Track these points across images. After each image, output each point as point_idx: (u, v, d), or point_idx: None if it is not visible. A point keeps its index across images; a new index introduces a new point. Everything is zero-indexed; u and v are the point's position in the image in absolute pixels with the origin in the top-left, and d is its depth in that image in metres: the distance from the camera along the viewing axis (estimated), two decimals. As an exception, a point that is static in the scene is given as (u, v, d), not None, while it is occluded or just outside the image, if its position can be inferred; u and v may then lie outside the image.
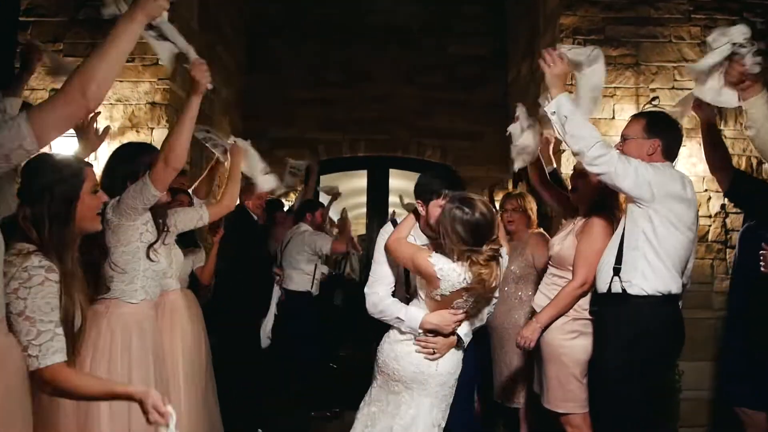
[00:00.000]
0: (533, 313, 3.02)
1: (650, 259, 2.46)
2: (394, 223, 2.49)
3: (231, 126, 6.52)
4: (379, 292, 2.41)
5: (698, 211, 2.68)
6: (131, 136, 4.15)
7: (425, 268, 2.22)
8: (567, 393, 2.81)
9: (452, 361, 2.37)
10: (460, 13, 6.99)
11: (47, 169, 1.68)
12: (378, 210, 7.39)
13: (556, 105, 2.43)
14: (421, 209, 2.39)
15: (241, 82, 6.82)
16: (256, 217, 4.46)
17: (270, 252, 5.07)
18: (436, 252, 2.27)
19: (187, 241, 3.52)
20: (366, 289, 2.45)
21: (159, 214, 2.39)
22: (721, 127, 4.22)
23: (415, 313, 2.31)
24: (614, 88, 4.27)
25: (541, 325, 2.80)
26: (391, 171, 7.39)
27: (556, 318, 2.81)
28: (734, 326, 3.02)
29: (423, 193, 2.38)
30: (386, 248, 2.40)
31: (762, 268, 2.44)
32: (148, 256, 2.25)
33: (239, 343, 4.12)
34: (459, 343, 2.37)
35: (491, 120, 6.42)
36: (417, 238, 2.45)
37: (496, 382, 3.69)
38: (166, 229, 2.46)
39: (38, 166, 1.68)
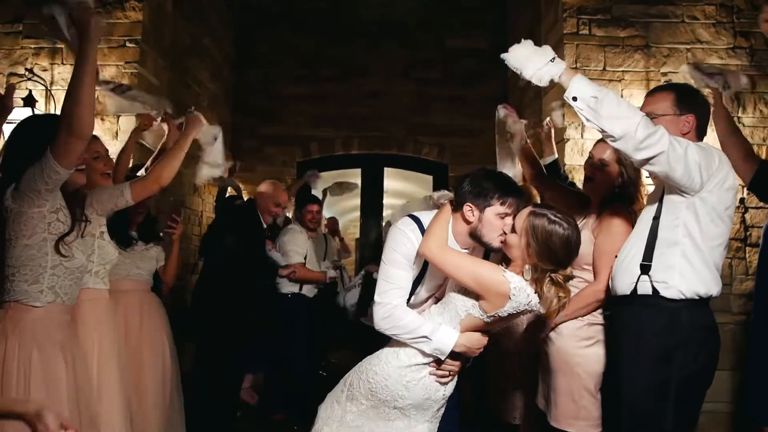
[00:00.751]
0: (536, 317, 2.68)
1: (690, 256, 2.11)
2: (416, 220, 2.14)
3: (219, 122, 6.25)
4: (394, 302, 2.05)
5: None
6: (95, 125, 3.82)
7: (497, 286, 1.91)
8: (579, 410, 2.47)
9: (454, 382, 2.13)
10: (459, 5, 6.79)
11: None
12: (373, 211, 7.10)
13: (576, 89, 1.99)
14: (470, 215, 2.05)
15: (230, 76, 6.60)
16: (264, 224, 4.06)
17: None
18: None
19: (151, 235, 3.18)
20: (377, 298, 2.07)
21: (75, 200, 2.04)
22: (740, 114, 3.93)
23: (449, 334, 1.99)
24: (622, 72, 3.97)
25: (552, 324, 2.48)
26: (386, 170, 7.15)
27: (572, 317, 2.47)
28: (760, 333, 2.69)
29: (478, 196, 2.04)
30: (423, 256, 2.04)
31: None
32: (57, 250, 1.90)
33: (225, 353, 3.75)
34: (466, 363, 2.12)
35: (490, 116, 6.08)
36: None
37: (492, 394, 3.35)
38: (84, 219, 2.09)
39: None
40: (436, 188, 6.92)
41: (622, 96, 3.92)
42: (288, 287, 4.47)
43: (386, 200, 7.63)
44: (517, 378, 3.20)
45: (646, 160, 2.00)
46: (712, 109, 2.43)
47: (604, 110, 1.94)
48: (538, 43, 2.02)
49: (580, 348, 2.47)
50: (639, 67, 3.98)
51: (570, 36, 4.02)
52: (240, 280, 3.78)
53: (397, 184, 8.05)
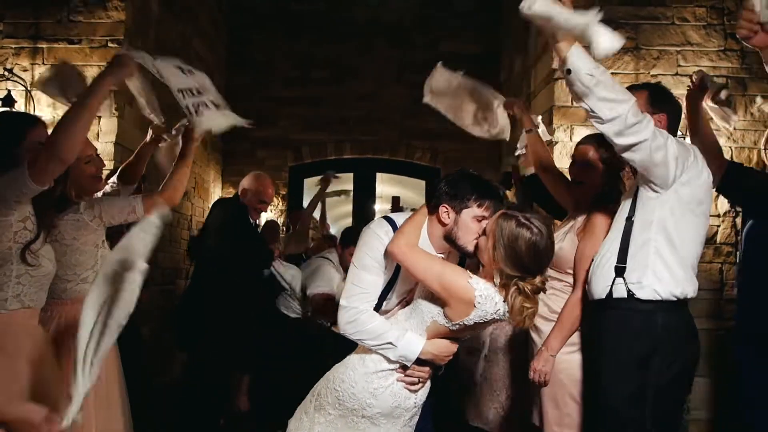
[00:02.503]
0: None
1: (665, 254, 2.05)
2: (391, 222, 2.06)
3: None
4: (361, 306, 1.98)
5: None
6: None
7: (462, 293, 1.84)
8: (563, 417, 2.42)
9: (427, 388, 2.07)
10: (452, 8, 6.74)
11: None
12: (364, 216, 7.02)
13: (574, 61, 1.82)
14: (446, 217, 1.98)
15: (220, 79, 6.54)
16: (253, 222, 3.98)
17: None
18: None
19: None
20: (343, 301, 2.01)
21: (44, 206, 1.98)
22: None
23: (414, 340, 1.93)
24: (612, 74, 3.87)
25: (553, 353, 2.39)
26: (378, 175, 7.09)
27: (569, 338, 2.39)
28: (744, 340, 2.65)
29: (454, 198, 1.97)
30: (391, 254, 1.96)
31: None
32: (24, 259, 1.85)
33: (218, 360, 3.65)
34: (437, 370, 2.06)
35: (484, 119, 6.08)
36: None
37: (472, 399, 3.24)
38: (51, 225, 2.05)
39: None
40: (429, 193, 6.88)
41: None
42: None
43: (379, 206, 7.57)
44: (504, 383, 3.13)
45: (629, 147, 1.93)
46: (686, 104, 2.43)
47: (599, 91, 1.84)
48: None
49: (564, 354, 2.41)
50: (629, 69, 3.93)
51: (559, 37, 3.96)
52: (232, 283, 3.68)
53: (389, 189, 7.98)
